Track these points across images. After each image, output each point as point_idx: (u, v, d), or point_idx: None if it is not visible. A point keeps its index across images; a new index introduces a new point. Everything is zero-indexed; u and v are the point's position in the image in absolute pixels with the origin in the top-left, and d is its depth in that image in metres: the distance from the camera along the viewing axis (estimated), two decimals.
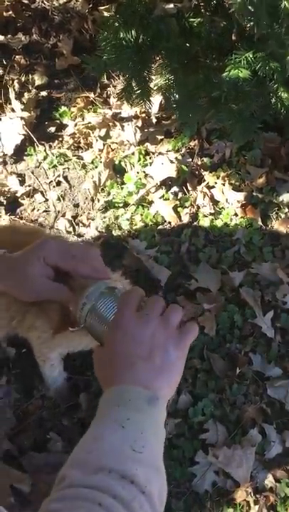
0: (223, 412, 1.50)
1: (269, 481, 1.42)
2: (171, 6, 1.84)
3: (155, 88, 1.75)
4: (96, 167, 1.92)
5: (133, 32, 1.55)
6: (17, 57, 2.14)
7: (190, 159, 1.98)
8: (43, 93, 2.10)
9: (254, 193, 1.93)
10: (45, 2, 2.28)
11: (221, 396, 1.52)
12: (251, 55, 1.47)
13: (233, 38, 1.61)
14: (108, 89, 2.14)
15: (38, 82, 2.11)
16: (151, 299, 0.80)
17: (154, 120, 2.05)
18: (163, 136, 2.01)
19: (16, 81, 2.08)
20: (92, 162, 1.95)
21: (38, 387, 1.48)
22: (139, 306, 0.80)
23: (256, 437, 1.46)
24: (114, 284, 0.90)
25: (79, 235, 1.80)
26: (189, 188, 1.92)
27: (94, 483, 0.62)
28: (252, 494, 1.39)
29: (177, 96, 1.78)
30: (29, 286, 0.92)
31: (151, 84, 1.67)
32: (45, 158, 1.95)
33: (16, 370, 1.51)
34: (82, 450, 0.69)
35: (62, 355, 1.40)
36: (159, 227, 1.83)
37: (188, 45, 1.62)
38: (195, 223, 1.85)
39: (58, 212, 1.84)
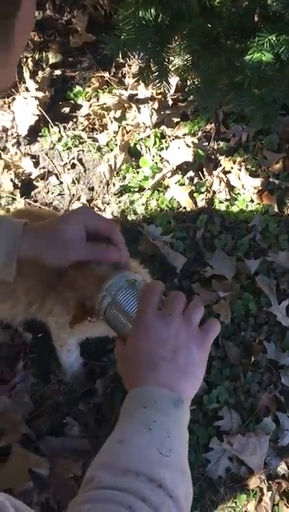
0: (238, 400, 1.51)
1: (282, 468, 1.44)
2: None
3: (173, 69, 1.72)
4: (111, 150, 1.90)
5: (152, 11, 1.51)
6: (31, 33, 2.08)
7: (206, 143, 1.95)
8: (57, 72, 2.06)
9: (270, 179, 1.91)
10: None
11: (236, 384, 1.53)
12: (274, 38, 1.43)
13: (256, 19, 1.56)
14: (123, 68, 2.09)
15: (52, 60, 2.07)
16: (172, 296, 0.79)
17: (170, 102, 2.02)
18: (179, 119, 1.98)
19: (29, 59, 2.04)
20: (107, 145, 1.92)
21: (55, 372, 1.49)
22: (160, 301, 0.80)
23: (270, 425, 1.48)
24: (134, 276, 0.89)
25: None
26: (205, 173, 1.89)
27: (123, 486, 0.62)
28: (265, 481, 1.41)
29: (197, 79, 1.74)
30: (66, 246, 0.92)
31: (170, 66, 1.64)
32: (59, 139, 1.92)
33: (33, 355, 1.52)
34: (109, 452, 0.69)
35: (80, 340, 1.41)
36: (175, 212, 1.81)
37: (209, 25, 1.58)
38: (211, 209, 1.83)
39: (73, 195, 1.83)
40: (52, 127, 1.93)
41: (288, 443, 1.47)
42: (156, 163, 1.88)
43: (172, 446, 0.67)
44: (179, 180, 1.86)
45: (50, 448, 1.37)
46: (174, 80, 1.97)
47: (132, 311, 0.82)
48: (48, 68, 2.05)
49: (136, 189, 1.83)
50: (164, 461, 0.66)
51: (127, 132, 1.95)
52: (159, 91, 2.00)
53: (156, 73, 1.61)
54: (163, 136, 1.94)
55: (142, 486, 0.63)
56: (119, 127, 1.94)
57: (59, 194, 1.83)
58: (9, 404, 1.40)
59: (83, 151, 1.91)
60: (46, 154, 1.91)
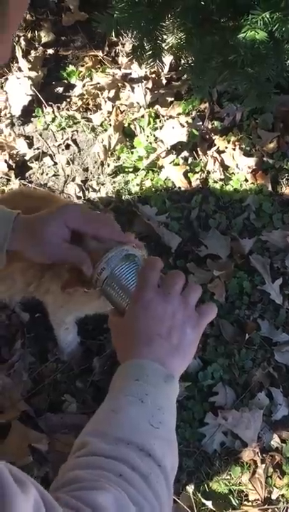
0: (232, 376, 1.54)
1: (275, 441, 1.48)
2: None
3: (166, 48, 1.70)
4: (105, 130, 1.89)
5: None
6: None
7: (200, 123, 1.94)
8: (50, 51, 2.04)
9: (265, 159, 1.91)
10: None
11: (230, 361, 1.56)
12: (268, 16, 1.42)
13: None
14: (117, 47, 2.08)
15: (44, 39, 2.04)
16: (172, 275, 0.81)
17: (164, 81, 2.01)
18: (173, 99, 1.97)
19: (22, 38, 2.02)
20: (102, 125, 1.91)
21: (53, 351, 1.52)
22: (159, 278, 0.81)
23: (264, 400, 1.51)
24: (134, 250, 0.90)
25: (89, 200, 1.79)
26: (200, 153, 1.90)
27: (114, 454, 0.65)
28: (259, 454, 1.45)
29: (190, 57, 1.73)
30: (45, 248, 0.92)
31: (163, 44, 1.63)
32: (53, 120, 1.91)
33: (31, 334, 1.54)
34: (101, 420, 0.71)
35: (77, 318, 1.43)
36: (169, 192, 1.82)
37: (203, 3, 1.57)
38: (205, 189, 1.84)
39: (68, 176, 1.83)
40: (45, 107, 1.92)
41: (281, 417, 1.51)
42: (150, 143, 1.88)
43: (162, 419, 0.70)
44: (173, 160, 1.86)
45: (48, 424, 1.40)
46: (167, 59, 1.96)
47: (130, 285, 0.84)
48: (41, 47, 2.03)
49: (130, 169, 1.83)
50: (154, 433, 0.68)
51: (121, 112, 1.94)
52: (152, 70, 1.99)
53: (150, 52, 1.60)
54: (157, 115, 1.94)
55: (132, 454, 0.65)
56: (113, 107, 1.93)
57: (54, 175, 1.83)
58: (8, 382, 1.42)
59: (77, 131, 1.91)
60: (40, 135, 1.90)
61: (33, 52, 2.01)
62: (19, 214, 0.95)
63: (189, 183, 1.85)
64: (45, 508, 0.53)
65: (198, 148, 1.90)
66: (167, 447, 0.69)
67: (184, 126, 1.89)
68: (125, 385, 0.72)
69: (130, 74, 1.98)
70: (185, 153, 1.88)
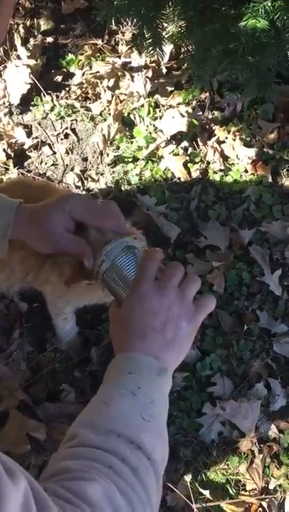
0: (230, 367, 1.54)
1: (273, 432, 1.48)
2: None
3: (167, 36, 1.69)
4: (105, 119, 1.88)
5: None
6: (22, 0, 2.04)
7: (200, 113, 1.93)
8: (49, 39, 2.02)
9: (265, 149, 1.90)
10: None
11: (229, 351, 1.56)
12: (270, 4, 1.41)
13: None
14: (116, 36, 2.06)
15: (43, 27, 2.02)
16: (170, 267, 0.81)
17: (164, 70, 1.99)
18: (173, 88, 1.96)
19: (21, 26, 2.00)
20: (101, 114, 1.90)
21: (51, 341, 1.52)
22: (159, 269, 0.81)
23: (262, 391, 1.51)
24: (134, 242, 0.90)
25: (88, 190, 1.78)
26: (199, 143, 1.89)
27: (104, 446, 0.65)
28: (256, 444, 1.45)
29: (191, 46, 1.72)
30: (48, 237, 0.93)
31: (163, 33, 1.61)
32: (52, 109, 1.90)
33: (29, 324, 1.54)
34: (93, 411, 0.71)
35: (76, 308, 1.42)
36: (169, 183, 1.81)
37: None
38: (205, 179, 1.83)
39: (67, 166, 1.82)
40: (44, 96, 1.91)
41: (279, 408, 1.51)
42: (150, 133, 1.86)
43: (153, 413, 0.70)
44: (173, 151, 1.85)
45: (46, 413, 1.40)
46: (168, 48, 1.93)
47: (130, 276, 0.84)
48: (40, 35, 2.01)
49: (130, 159, 1.82)
50: (144, 426, 0.69)
51: (121, 101, 1.93)
52: (152, 59, 1.97)
53: (150, 40, 1.58)
54: (157, 105, 1.92)
55: (122, 447, 0.66)
56: (112, 96, 1.92)
57: (52, 164, 1.82)
58: (6, 371, 1.42)
59: (76, 120, 1.89)
60: (39, 124, 1.89)
61: (32, 40, 1.99)
62: (21, 203, 0.94)
63: (189, 173, 1.84)
64: (34, 498, 0.53)
65: (198, 139, 1.89)
66: (158, 440, 0.70)
67: (184, 116, 1.88)
68: (118, 378, 0.73)
69: (130, 63, 1.96)
70: (185, 144, 1.87)
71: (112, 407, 0.70)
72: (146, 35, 1.59)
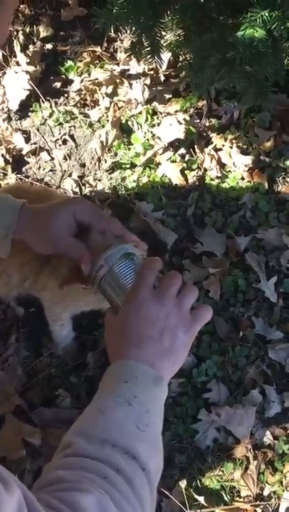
0: (226, 373, 1.55)
1: (268, 438, 1.48)
2: None
3: (165, 44, 1.70)
4: (103, 126, 1.89)
5: None
6: (21, 6, 2.05)
7: (198, 120, 1.95)
8: (48, 46, 2.04)
9: (261, 157, 1.92)
10: None
11: (224, 358, 1.57)
12: (267, 14, 1.43)
13: None
14: (115, 43, 2.07)
15: (43, 34, 2.04)
16: (168, 276, 0.81)
17: (162, 78, 2.01)
18: (171, 95, 1.97)
19: (20, 32, 2.01)
20: (99, 121, 1.91)
21: (47, 346, 1.52)
22: (157, 278, 0.82)
23: (257, 397, 1.52)
24: (133, 249, 0.91)
25: (85, 196, 1.79)
26: (197, 150, 1.90)
27: (99, 456, 0.65)
28: (251, 450, 1.45)
29: (189, 55, 1.73)
30: (49, 238, 0.94)
31: (162, 41, 1.63)
32: (50, 115, 1.91)
33: (25, 328, 1.54)
34: (87, 420, 0.71)
35: (74, 314, 1.43)
36: (166, 189, 1.82)
37: (202, 0, 1.57)
38: (202, 186, 1.85)
39: (64, 171, 1.83)
40: (43, 102, 1.92)
41: (274, 414, 1.52)
42: (147, 139, 1.88)
43: (149, 422, 0.70)
44: (170, 157, 1.86)
45: (42, 419, 1.40)
46: (166, 56, 1.95)
47: (127, 284, 0.84)
48: (39, 42, 2.02)
49: (127, 166, 1.84)
50: (140, 436, 0.69)
51: (119, 108, 1.94)
52: (151, 66, 1.99)
53: (149, 48, 1.60)
54: (155, 112, 1.94)
55: (117, 457, 0.65)
56: (110, 103, 1.93)
57: (50, 170, 1.83)
58: (2, 376, 1.42)
59: (75, 126, 1.91)
60: (37, 130, 1.90)
61: (31, 47, 2.01)
62: (25, 203, 0.95)
63: (186, 180, 1.85)
64: (28, 508, 0.54)
65: (196, 146, 1.90)
66: (152, 450, 0.70)
67: (181, 124, 1.90)
68: (114, 386, 0.73)
69: (128, 70, 1.98)
70: (182, 151, 1.88)
71: (107, 416, 0.69)
72: (145, 43, 1.60)
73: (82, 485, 0.61)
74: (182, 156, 1.88)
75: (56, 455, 0.69)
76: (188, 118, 1.93)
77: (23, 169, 1.82)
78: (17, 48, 1.97)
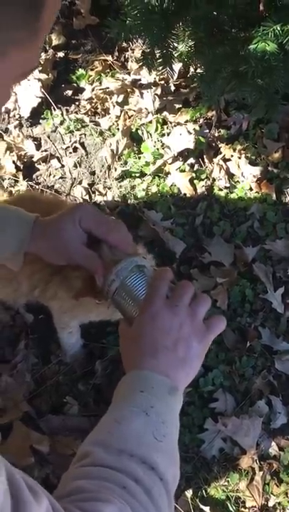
0: (233, 383, 1.56)
1: (273, 449, 1.49)
2: None
3: (176, 55, 1.72)
4: (113, 135, 1.91)
5: None
6: None
7: (207, 130, 1.96)
8: (60, 54, 2.05)
9: (270, 168, 1.93)
10: None
11: (231, 368, 1.58)
12: (279, 28, 1.44)
13: (261, 8, 1.57)
14: (126, 53, 2.09)
15: (55, 42, 2.06)
16: (181, 286, 0.82)
17: (173, 88, 2.02)
18: (181, 105, 1.99)
19: None
20: (109, 129, 1.93)
21: (55, 353, 1.53)
22: (169, 288, 0.82)
23: (263, 408, 1.53)
24: (143, 261, 0.92)
25: (95, 204, 1.80)
26: (206, 160, 1.91)
27: (117, 465, 0.65)
28: (257, 461, 1.46)
29: (200, 66, 1.75)
30: (63, 250, 0.95)
31: (174, 52, 1.64)
32: (61, 122, 1.93)
33: (34, 335, 1.55)
34: (103, 430, 0.71)
35: (82, 323, 1.44)
36: (175, 198, 1.84)
37: (214, 13, 1.58)
38: (210, 196, 1.86)
39: (74, 179, 1.84)
40: (54, 110, 1.93)
41: (280, 425, 1.53)
42: (157, 149, 1.89)
43: (166, 432, 0.71)
44: (179, 167, 1.88)
45: (50, 426, 1.40)
46: (176, 66, 1.97)
47: (139, 296, 0.85)
48: (51, 50, 2.04)
49: (137, 174, 1.85)
50: (157, 446, 0.69)
51: (129, 117, 1.95)
52: (161, 76, 2.01)
53: (160, 59, 1.62)
54: (165, 122, 1.95)
55: (135, 467, 0.66)
56: (121, 112, 1.95)
57: (60, 177, 1.84)
58: (11, 383, 1.43)
59: (85, 134, 1.92)
60: (48, 137, 1.91)
61: (43, 55, 2.02)
62: (38, 217, 0.96)
63: (195, 189, 1.86)
64: None
65: (205, 156, 1.91)
66: (170, 461, 0.70)
67: (191, 134, 1.91)
68: (130, 396, 0.73)
69: (139, 80, 2.00)
70: (191, 160, 1.89)
71: (124, 426, 0.70)
72: (157, 54, 1.62)
73: (103, 495, 0.61)
74: (191, 166, 1.89)
75: (73, 465, 0.69)
76: (197, 128, 1.94)
77: (34, 176, 1.83)
78: None
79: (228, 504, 1.42)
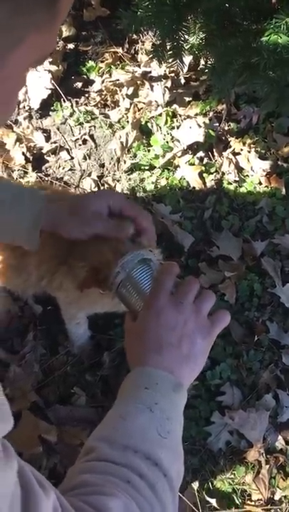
0: (240, 377, 1.56)
1: (280, 443, 1.49)
2: None
3: (187, 48, 1.71)
4: (123, 127, 1.90)
5: None
6: None
7: (217, 124, 1.95)
8: (70, 45, 2.05)
9: (279, 162, 1.92)
10: None
11: (238, 361, 1.58)
12: None
13: (273, 0, 1.56)
14: (136, 45, 2.08)
15: (65, 33, 2.05)
16: (186, 283, 0.82)
17: (183, 81, 2.01)
18: (191, 98, 1.98)
19: None
20: (119, 121, 1.92)
21: (64, 344, 1.53)
22: (174, 283, 0.82)
23: (270, 402, 1.53)
24: (149, 254, 0.92)
25: None
26: (215, 154, 1.91)
27: (122, 461, 0.66)
28: (263, 455, 1.46)
29: (211, 58, 1.74)
30: (87, 219, 0.94)
31: (184, 45, 1.63)
32: (71, 114, 1.92)
33: (42, 326, 1.55)
34: (110, 426, 0.72)
35: (88, 314, 1.44)
36: (184, 192, 1.83)
37: (226, 5, 1.57)
38: (219, 190, 1.85)
39: (84, 171, 1.84)
40: (64, 102, 1.93)
41: (287, 419, 1.52)
42: (167, 142, 1.89)
43: (170, 429, 0.71)
44: (189, 160, 1.87)
45: (57, 416, 1.41)
46: (187, 59, 1.96)
47: (144, 289, 0.85)
48: (62, 42, 2.04)
49: (146, 167, 1.85)
50: (161, 442, 0.70)
51: (139, 110, 1.95)
52: (172, 69, 2.00)
53: (171, 51, 1.61)
54: (174, 115, 1.95)
55: (139, 462, 0.66)
56: (131, 104, 1.94)
57: (70, 169, 1.84)
58: (19, 373, 1.44)
59: (95, 127, 1.92)
60: (58, 129, 1.91)
61: None
62: (47, 194, 0.96)
63: (204, 183, 1.86)
64: (62, 509, 0.56)
65: (214, 149, 1.91)
66: (174, 457, 0.71)
67: (200, 127, 1.90)
68: (135, 393, 0.74)
69: (150, 72, 1.99)
70: (201, 154, 1.89)
71: (128, 422, 0.70)
72: (168, 46, 1.61)
73: (107, 489, 0.62)
74: (201, 159, 1.89)
75: (78, 460, 0.70)
76: (207, 121, 1.94)
77: (43, 168, 1.83)
78: None
79: (234, 497, 1.43)
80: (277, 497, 1.44)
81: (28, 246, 0.98)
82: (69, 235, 0.96)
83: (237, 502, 1.42)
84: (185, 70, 1.99)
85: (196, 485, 1.41)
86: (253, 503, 1.42)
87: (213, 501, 1.39)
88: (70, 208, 0.95)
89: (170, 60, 1.62)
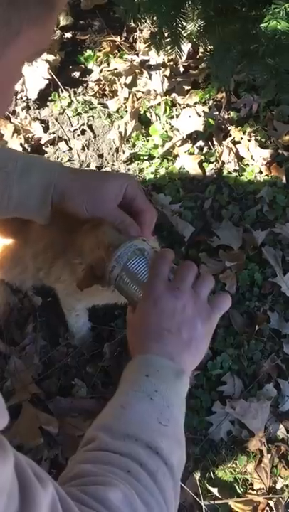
0: (241, 367, 1.55)
1: (281, 432, 1.49)
2: None
3: (185, 35, 1.69)
4: (121, 117, 1.89)
5: None
6: None
7: (217, 112, 1.94)
8: (68, 35, 2.03)
9: (280, 151, 1.90)
10: None
11: (239, 351, 1.57)
12: None
13: None
14: (134, 33, 2.06)
15: (62, 22, 2.03)
16: (183, 267, 0.80)
17: (182, 69, 1.99)
18: (190, 87, 1.96)
19: None
20: (118, 111, 1.91)
21: (64, 336, 1.53)
22: (171, 269, 0.81)
23: (271, 391, 1.52)
24: (142, 244, 0.90)
25: None
26: (215, 143, 1.89)
27: (122, 450, 0.66)
28: (265, 444, 1.46)
29: (209, 46, 1.72)
30: (96, 201, 0.91)
31: (182, 32, 1.61)
32: (69, 104, 1.91)
33: (42, 318, 1.55)
34: (110, 415, 0.72)
35: (88, 306, 1.44)
36: (184, 181, 1.82)
37: None
38: (219, 179, 1.84)
39: (82, 162, 1.83)
40: (62, 92, 1.91)
41: (288, 409, 1.52)
42: (166, 131, 1.87)
43: (171, 417, 0.71)
44: (188, 150, 1.86)
45: (58, 407, 1.41)
46: (185, 47, 1.94)
47: (142, 279, 0.84)
48: (59, 31, 2.02)
49: (145, 157, 1.83)
50: (162, 430, 0.69)
51: (138, 99, 1.93)
52: (170, 57, 1.98)
53: (169, 39, 1.59)
54: (174, 104, 1.93)
55: (140, 451, 0.66)
56: (129, 94, 1.93)
57: (68, 160, 1.83)
58: (19, 364, 1.44)
59: (93, 117, 1.90)
60: (56, 119, 1.90)
61: None
62: (61, 164, 0.94)
63: (204, 172, 1.84)
64: (60, 502, 0.56)
65: (214, 138, 1.89)
66: (175, 444, 0.70)
67: (200, 116, 1.89)
68: (135, 381, 0.73)
69: (148, 61, 1.97)
70: (200, 143, 1.87)
71: (128, 411, 0.70)
72: (165, 34, 1.59)
73: (107, 479, 0.62)
74: (200, 149, 1.87)
75: (79, 450, 0.70)
76: (207, 110, 1.92)
77: None
78: None
79: (236, 486, 1.43)
80: (279, 486, 1.44)
81: (38, 220, 0.95)
82: (72, 209, 0.92)
83: (239, 491, 1.42)
84: (184, 58, 1.97)
85: (197, 474, 1.41)
86: (254, 492, 1.42)
87: (214, 490, 1.39)
88: (82, 184, 0.91)
89: (168, 48, 1.60)
